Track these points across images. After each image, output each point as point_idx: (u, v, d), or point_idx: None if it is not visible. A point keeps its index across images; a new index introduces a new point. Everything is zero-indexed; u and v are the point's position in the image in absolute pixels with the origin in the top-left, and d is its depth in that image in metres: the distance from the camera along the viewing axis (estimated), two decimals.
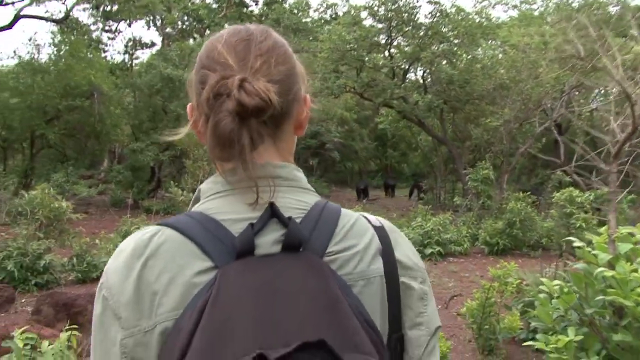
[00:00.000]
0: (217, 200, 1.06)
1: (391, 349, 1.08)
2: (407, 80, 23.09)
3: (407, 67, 22.44)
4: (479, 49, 21.37)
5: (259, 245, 0.99)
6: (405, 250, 1.14)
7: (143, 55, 37.30)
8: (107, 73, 22.16)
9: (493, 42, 23.39)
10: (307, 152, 35.56)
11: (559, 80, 16.30)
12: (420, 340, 1.11)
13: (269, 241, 1.00)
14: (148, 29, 33.56)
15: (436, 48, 20.41)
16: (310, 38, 30.85)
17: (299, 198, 1.09)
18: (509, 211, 13.76)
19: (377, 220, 1.16)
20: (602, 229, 4.51)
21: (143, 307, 0.97)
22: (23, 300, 8.69)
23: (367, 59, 20.69)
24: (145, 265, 0.99)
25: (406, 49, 21.67)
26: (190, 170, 12.34)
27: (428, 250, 12.86)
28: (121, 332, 0.98)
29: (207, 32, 28.82)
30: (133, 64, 29.83)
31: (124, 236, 11.92)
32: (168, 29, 30.89)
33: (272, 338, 0.86)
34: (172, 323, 0.94)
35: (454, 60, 20.70)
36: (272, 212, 1.01)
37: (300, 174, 1.13)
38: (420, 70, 23.43)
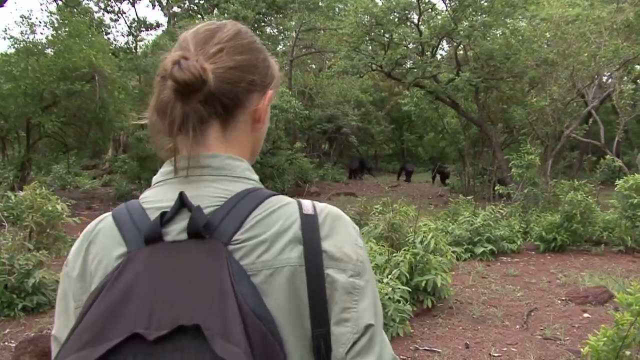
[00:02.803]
0: (155, 189, 1.16)
1: (315, 347, 1.05)
2: (440, 57, 21.34)
3: (437, 42, 20.53)
4: (522, 22, 19.45)
5: (168, 232, 1.05)
6: (338, 241, 1.11)
7: (148, 37, 35.56)
8: (110, 54, 20.46)
9: (523, 16, 21.62)
10: (323, 137, 34.29)
11: (617, 54, 14.51)
12: (343, 338, 1.06)
13: (178, 229, 1.06)
14: (153, 7, 31.84)
15: (473, 20, 18.54)
16: (324, 17, 29.27)
17: (224, 187, 1.11)
18: (568, 202, 12.06)
19: (311, 207, 1.13)
20: None
21: (85, 284, 1.10)
22: (7, 332, 6.75)
23: (395, 34, 18.87)
24: (88, 248, 1.13)
25: (439, 22, 19.76)
26: None
27: (479, 250, 11.22)
28: (73, 304, 1.12)
29: (216, 10, 27.10)
30: (137, 47, 28.19)
31: None
32: (175, 8, 29.28)
33: (159, 319, 0.91)
34: None
35: (495, 33, 18.89)
36: (182, 202, 1.06)
37: (237, 163, 1.16)
38: (450, 46, 21.57)
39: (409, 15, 20.11)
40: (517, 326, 7.11)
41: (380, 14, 18.74)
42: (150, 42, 25.94)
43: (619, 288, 8.43)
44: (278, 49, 32.51)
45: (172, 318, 0.90)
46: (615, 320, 4.74)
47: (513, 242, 11.88)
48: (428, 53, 20.35)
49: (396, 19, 19.62)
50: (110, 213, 1.16)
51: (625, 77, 18.76)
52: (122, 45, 28.33)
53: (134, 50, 27.31)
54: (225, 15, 25.09)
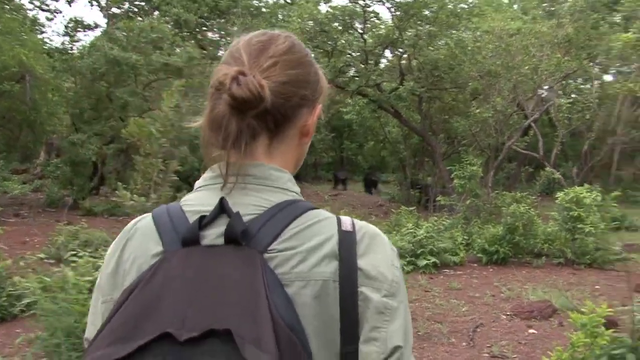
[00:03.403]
0: (196, 194, 1.18)
1: None
2: (382, 66, 21.24)
3: (381, 51, 20.43)
4: (465, 33, 19.55)
5: (206, 236, 1.07)
6: (374, 260, 1.11)
7: (85, 37, 34.47)
8: (44, 54, 19.62)
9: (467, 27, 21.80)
10: None
11: (559, 67, 14.65)
12: (370, 357, 1.06)
13: (215, 233, 1.07)
14: (91, 7, 30.97)
15: (418, 30, 18.49)
16: (266, 24, 28.93)
17: (265, 197, 1.13)
18: (510, 214, 12.05)
19: (350, 224, 1.14)
20: None
21: (116, 281, 1.13)
22: None
23: (340, 42, 18.67)
24: (125, 245, 1.16)
25: (381, 31, 19.66)
26: (141, 167, 10.11)
27: (422, 262, 11.03)
28: (101, 298, 1.16)
29: (156, 13, 26.42)
30: (74, 47, 27.24)
31: (58, 249, 9.90)
32: (114, 9, 28.44)
33: (191, 321, 0.91)
34: None
35: (439, 44, 18.89)
36: (222, 207, 1.08)
37: (280, 174, 1.17)
38: (394, 55, 21.50)
39: (354, 24, 19.96)
40: (464, 343, 6.93)
41: (325, 21, 18.52)
42: (88, 43, 25.03)
43: (562, 302, 8.40)
44: (220, 53, 31.98)
45: (204, 321, 0.91)
46: (571, 343, 4.55)
47: (456, 254, 11.77)
48: (372, 62, 20.24)
49: (340, 27, 19.44)
50: (147, 214, 1.19)
51: (561, 91, 19.08)
52: (57, 45, 27.35)
53: (69, 51, 26.33)
54: (166, 18, 24.47)
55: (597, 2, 21.49)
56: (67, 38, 27.61)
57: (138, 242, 1.14)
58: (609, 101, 19.43)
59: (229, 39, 30.98)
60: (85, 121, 19.50)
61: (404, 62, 20.85)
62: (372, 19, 20.12)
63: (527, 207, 12.29)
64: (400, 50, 19.70)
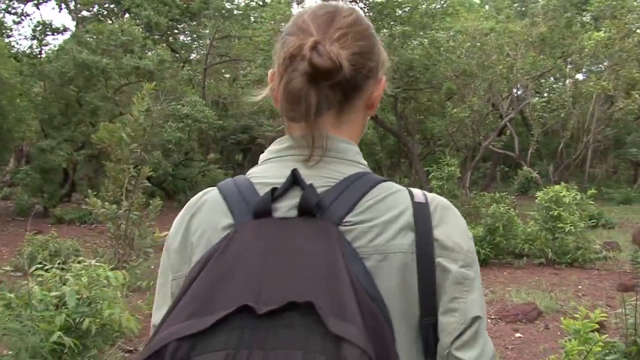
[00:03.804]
0: (264, 166, 1.16)
1: (423, 335, 1.07)
2: None
3: None
4: (440, 33, 19.48)
5: (278, 208, 1.06)
6: (449, 230, 1.10)
7: (54, 41, 33.85)
8: (9, 58, 19.14)
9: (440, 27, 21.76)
10: (237, 148, 33.56)
11: (535, 66, 14.60)
12: (450, 327, 1.05)
13: (288, 205, 1.06)
14: (60, 11, 30.35)
15: (393, 30, 18.35)
16: (239, 27, 28.68)
17: (336, 169, 1.11)
18: (490, 215, 11.93)
19: (422, 195, 1.13)
20: None
21: (185, 255, 1.12)
22: None
23: None
24: (191, 220, 1.14)
25: None
26: (112, 173, 9.80)
27: None
28: (171, 275, 1.13)
29: (127, 15, 25.99)
30: (42, 51, 26.72)
31: (27, 260, 9.51)
32: (83, 12, 27.97)
33: (267, 294, 0.89)
34: None
35: (414, 44, 18.77)
36: (294, 179, 1.07)
37: (349, 147, 1.15)
38: None
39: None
40: None
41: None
42: (56, 47, 24.56)
43: (547, 305, 8.27)
44: (192, 57, 31.64)
45: (282, 294, 0.88)
46: (565, 352, 4.35)
47: None
48: None
49: None
50: (212, 188, 1.18)
51: (534, 90, 19.13)
52: (25, 49, 26.84)
53: (38, 55, 25.82)
54: (137, 20, 24.06)
55: (566, 2, 21.60)
56: (35, 42, 27.13)
57: (206, 214, 1.12)
58: (583, 100, 19.51)
59: (200, 42, 30.66)
60: (55, 127, 19.14)
61: None
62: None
63: (506, 208, 12.19)
64: None
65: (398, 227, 1.06)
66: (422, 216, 1.09)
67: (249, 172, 1.16)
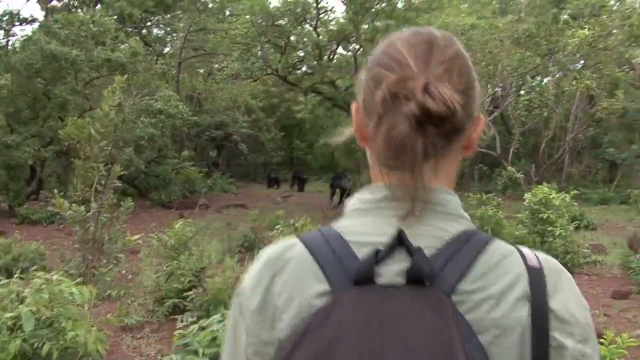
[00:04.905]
0: (356, 220, 1.02)
1: None
2: (335, 61, 20.62)
3: (336, 46, 19.82)
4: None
5: (382, 274, 0.94)
6: (564, 299, 0.97)
7: (22, 32, 33.10)
8: None
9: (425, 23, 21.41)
10: (212, 145, 32.94)
11: (523, 62, 14.30)
12: None
13: (394, 271, 0.94)
14: (27, 0, 29.56)
15: (375, 24, 17.93)
16: (214, 19, 28.12)
17: (441, 226, 0.98)
18: (479, 218, 11.58)
19: (535, 258, 0.99)
20: None
21: (265, 319, 0.98)
22: None
23: (293, 36, 17.94)
24: (274, 278, 1.00)
25: (332, 27, 19.05)
26: (81, 172, 9.18)
27: None
28: (245, 338, 1.01)
29: (99, 6, 25.24)
30: (9, 42, 25.89)
31: None
32: (53, 2, 27.21)
33: None
34: None
35: None
36: (400, 240, 0.95)
37: (450, 197, 1.01)
38: (348, 51, 20.95)
39: (307, 17, 19.32)
40: None
41: (278, 13, 17.79)
42: (24, 37, 23.79)
43: None
44: (165, 50, 30.96)
45: None
46: None
47: None
48: (325, 57, 19.62)
49: (292, 20, 18.78)
50: (296, 241, 1.02)
51: (515, 88, 18.95)
52: None
53: (4, 46, 24.99)
54: (110, 11, 23.35)
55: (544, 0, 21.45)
56: (2, 32, 26.27)
57: (294, 276, 0.98)
58: (565, 98, 19.33)
59: (174, 35, 30.00)
60: (22, 121, 18.44)
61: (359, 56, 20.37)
62: (325, 13, 19.53)
63: (494, 210, 11.86)
64: (357, 45, 19.14)
65: (515, 297, 0.93)
66: (537, 284, 0.96)
67: (338, 224, 1.03)
